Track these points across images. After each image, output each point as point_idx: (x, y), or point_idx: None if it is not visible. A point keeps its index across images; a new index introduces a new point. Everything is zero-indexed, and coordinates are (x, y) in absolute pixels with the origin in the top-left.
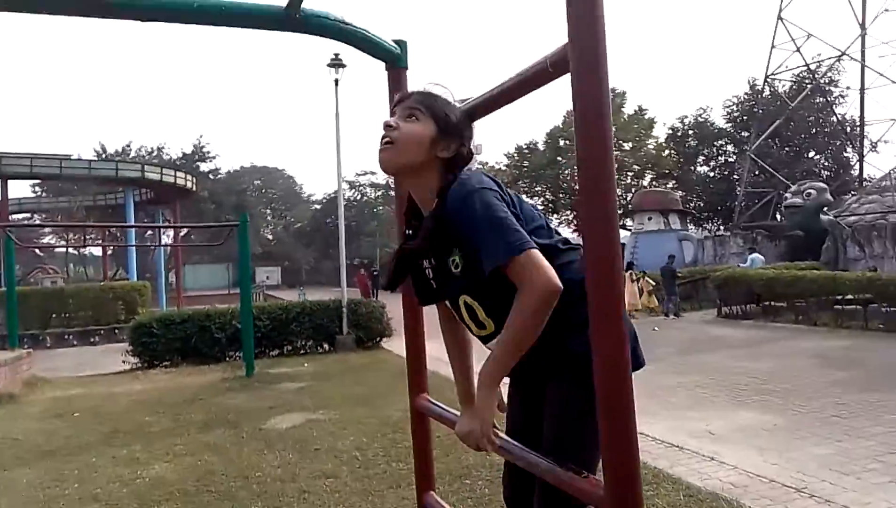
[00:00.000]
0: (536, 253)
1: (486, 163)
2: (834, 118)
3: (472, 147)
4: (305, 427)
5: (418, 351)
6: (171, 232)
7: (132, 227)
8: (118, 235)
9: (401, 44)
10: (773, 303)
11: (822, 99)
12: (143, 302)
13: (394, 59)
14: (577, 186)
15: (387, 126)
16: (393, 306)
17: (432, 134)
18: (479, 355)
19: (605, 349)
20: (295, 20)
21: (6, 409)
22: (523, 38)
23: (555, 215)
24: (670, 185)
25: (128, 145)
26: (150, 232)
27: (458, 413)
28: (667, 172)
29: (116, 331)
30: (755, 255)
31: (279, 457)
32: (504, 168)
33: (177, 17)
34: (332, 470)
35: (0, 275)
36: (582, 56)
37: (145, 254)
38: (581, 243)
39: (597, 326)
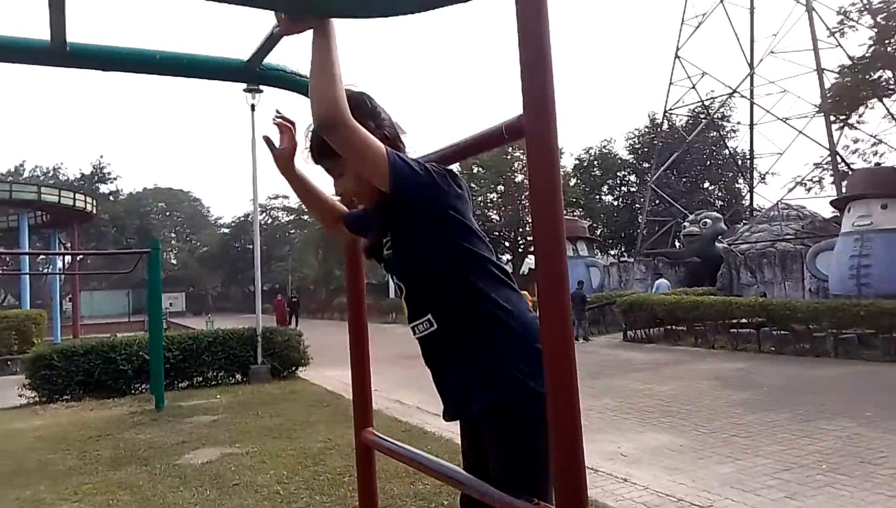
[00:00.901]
0: (386, 151)
1: None
2: (727, 151)
3: (388, 124)
4: (222, 462)
5: (364, 385)
6: (67, 257)
7: (27, 254)
8: (9, 260)
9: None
10: (674, 327)
11: (715, 133)
12: (39, 332)
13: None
14: (489, 213)
15: (340, 196)
16: (311, 333)
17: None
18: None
19: (557, 384)
20: (254, 72)
21: None
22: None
23: (532, 238)
24: (577, 213)
25: (21, 165)
26: (42, 257)
27: (405, 446)
28: (574, 200)
29: (9, 363)
30: (661, 280)
31: (196, 494)
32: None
33: (139, 68)
34: (253, 506)
35: None
36: (537, 125)
37: (37, 280)
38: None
39: (550, 363)
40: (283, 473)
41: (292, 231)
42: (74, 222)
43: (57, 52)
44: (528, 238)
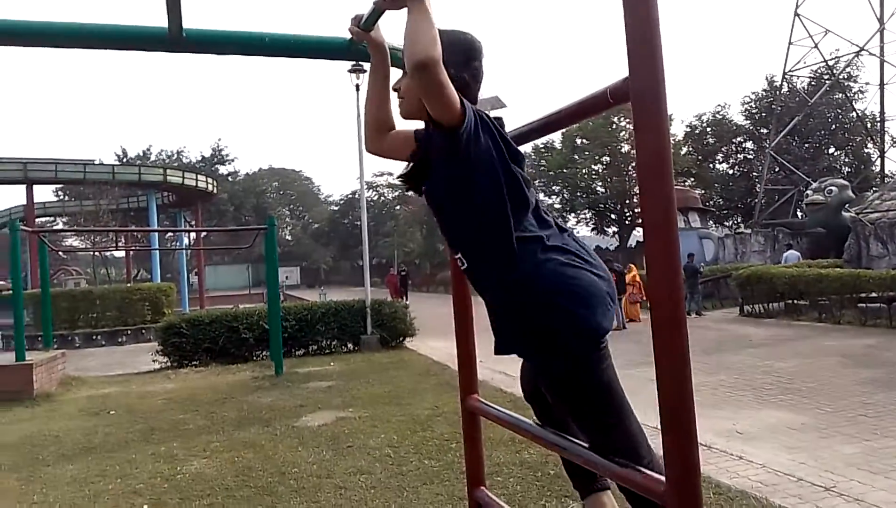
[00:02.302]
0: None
1: None
2: (854, 114)
3: (472, 69)
4: (337, 425)
5: (469, 353)
6: (192, 234)
7: (157, 231)
8: (140, 237)
9: None
10: (796, 301)
11: (841, 95)
12: (169, 303)
13: None
14: (593, 185)
15: (394, 89)
16: (417, 306)
17: None
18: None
19: (666, 349)
20: (359, 50)
21: (44, 408)
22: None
23: (572, 214)
24: (689, 183)
25: (148, 149)
26: (170, 234)
27: (510, 413)
28: (685, 169)
29: (143, 331)
30: (791, 252)
31: (313, 454)
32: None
33: (251, 50)
34: (366, 467)
35: (24, 276)
36: (642, 90)
37: (167, 255)
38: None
39: (658, 334)
40: (394, 437)
41: (397, 207)
42: (197, 202)
43: (175, 38)
44: (636, 210)
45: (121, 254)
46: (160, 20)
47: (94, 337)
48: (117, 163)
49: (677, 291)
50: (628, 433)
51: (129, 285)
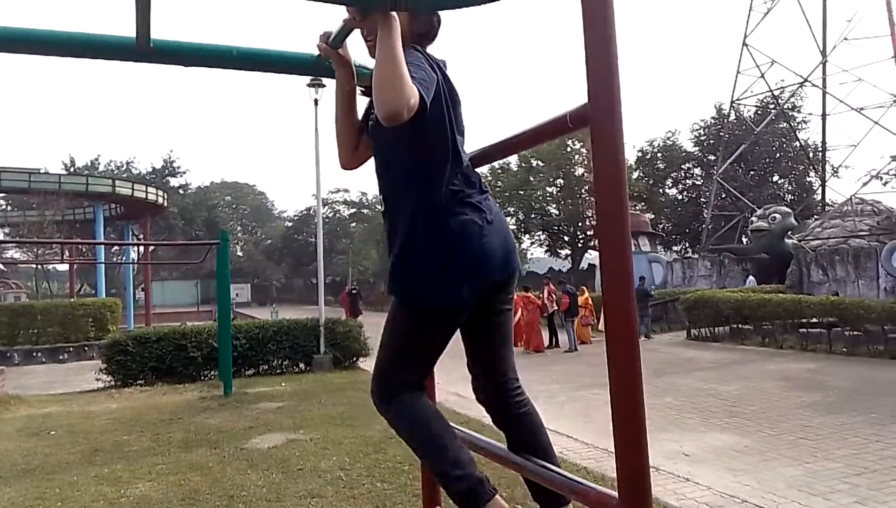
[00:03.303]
0: (418, 90)
1: None
2: (797, 143)
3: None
4: (287, 447)
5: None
6: (140, 248)
7: (104, 244)
8: (85, 250)
9: None
10: (740, 326)
11: (785, 124)
12: (114, 319)
13: None
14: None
15: (361, 33)
16: (371, 326)
17: None
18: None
19: (619, 365)
20: (325, 66)
21: None
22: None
23: (526, 235)
24: (640, 207)
25: (97, 159)
26: (115, 247)
27: (466, 431)
28: (636, 194)
29: (86, 348)
30: (751, 278)
31: (263, 477)
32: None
33: (218, 63)
34: (317, 490)
35: None
36: (602, 114)
37: (112, 269)
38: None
39: (612, 349)
40: (346, 459)
41: (353, 225)
42: (146, 215)
43: (143, 49)
44: (588, 233)
45: (64, 268)
46: (123, 30)
47: (35, 354)
48: (64, 172)
49: (631, 311)
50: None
51: (72, 299)
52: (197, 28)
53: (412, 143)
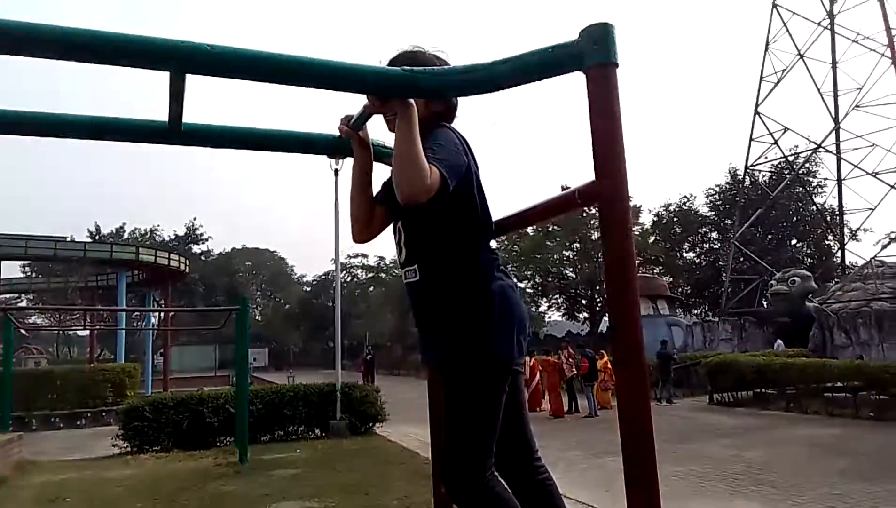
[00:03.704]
0: (440, 173)
1: None
2: (814, 207)
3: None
4: None
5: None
6: (160, 314)
7: (127, 310)
8: (107, 316)
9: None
10: (764, 390)
11: (801, 189)
12: (132, 384)
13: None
14: (564, 270)
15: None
16: (388, 390)
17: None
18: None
19: (636, 452)
20: (346, 146)
21: None
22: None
23: (544, 299)
24: (657, 271)
25: (122, 226)
26: (136, 313)
27: None
28: (653, 257)
29: (104, 413)
30: (779, 341)
31: None
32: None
33: (244, 144)
34: None
35: None
36: (609, 191)
37: (132, 335)
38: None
39: (627, 429)
40: None
41: (370, 289)
42: (168, 281)
43: (174, 131)
44: (605, 296)
45: (85, 333)
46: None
47: (53, 419)
48: (89, 240)
49: (642, 380)
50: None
51: (91, 365)
52: (224, 110)
53: (447, 215)
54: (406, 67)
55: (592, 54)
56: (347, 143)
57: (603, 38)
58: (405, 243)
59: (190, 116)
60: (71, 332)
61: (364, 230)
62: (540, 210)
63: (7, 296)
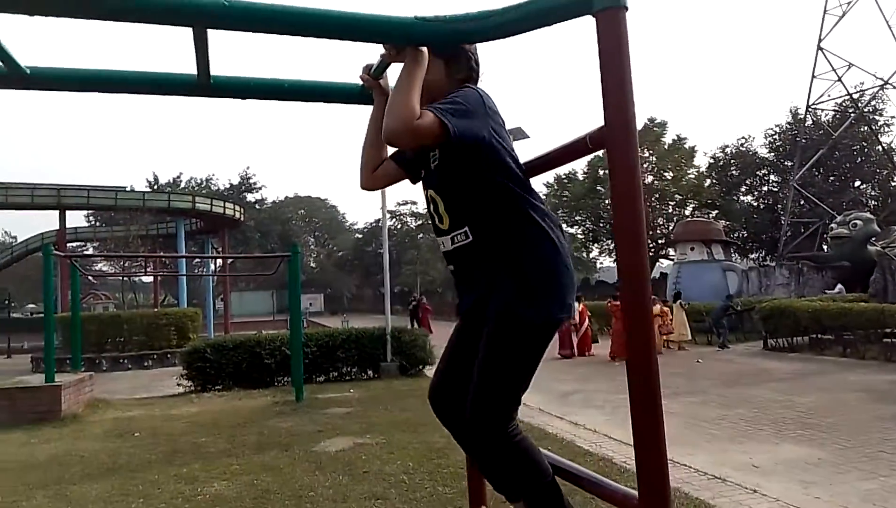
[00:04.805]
0: (441, 121)
1: None
2: (879, 147)
3: (472, 65)
4: (354, 451)
5: None
6: (219, 260)
7: (185, 257)
8: (168, 263)
9: None
10: (820, 336)
11: (866, 128)
12: (195, 328)
13: None
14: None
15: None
16: (437, 334)
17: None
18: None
19: (638, 371)
20: (369, 95)
21: (71, 428)
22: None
23: (595, 244)
24: (713, 215)
25: (178, 176)
26: (197, 260)
27: None
28: (709, 201)
29: (169, 355)
30: (840, 286)
31: (330, 479)
32: (543, 197)
33: (272, 95)
34: (381, 492)
35: (56, 299)
36: (617, 137)
37: (194, 281)
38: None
39: (632, 356)
40: (410, 464)
41: (420, 236)
42: (224, 229)
43: (203, 84)
44: (659, 241)
45: (148, 279)
46: (186, 67)
47: (121, 360)
48: (148, 190)
49: (648, 325)
50: (507, 409)
51: (155, 309)
52: (252, 63)
53: (485, 173)
54: (418, 15)
55: None
56: (370, 92)
57: None
58: (447, 208)
59: (220, 69)
60: (136, 279)
61: (369, 178)
62: (553, 157)
63: (73, 245)
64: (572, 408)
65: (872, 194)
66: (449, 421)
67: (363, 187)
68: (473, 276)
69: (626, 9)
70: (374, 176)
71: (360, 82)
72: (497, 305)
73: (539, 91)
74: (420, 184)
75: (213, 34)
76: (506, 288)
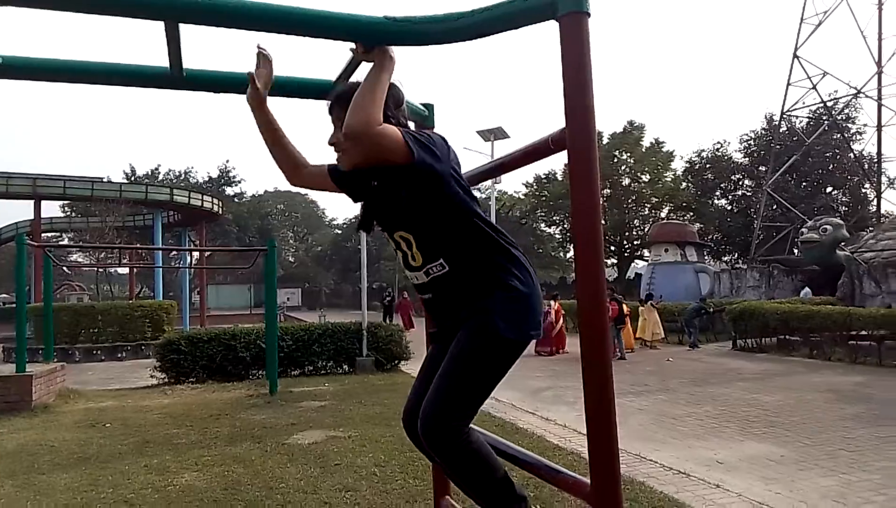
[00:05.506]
0: (406, 141)
1: (505, 192)
2: (851, 155)
3: (401, 112)
4: (326, 444)
5: None
6: (195, 253)
7: (161, 249)
8: (144, 255)
9: (428, 106)
10: (788, 337)
11: (839, 135)
12: (170, 320)
13: (423, 119)
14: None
15: (331, 144)
16: (413, 330)
17: None
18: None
19: (592, 364)
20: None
21: (42, 418)
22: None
23: (572, 245)
24: (688, 217)
25: (157, 168)
26: (174, 253)
27: (495, 437)
28: (684, 204)
29: (143, 347)
30: (807, 289)
31: (301, 471)
32: (522, 197)
33: (244, 90)
34: (352, 484)
35: (28, 290)
36: (576, 140)
37: (170, 273)
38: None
39: (585, 352)
40: (381, 457)
41: None
42: (202, 222)
43: (175, 77)
44: (634, 242)
45: (124, 271)
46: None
47: (95, 352)
48: (125, 181)
49: (602, 321)
50: (462, 416)
51: (130, 301)
52: (228, 58)
53: (452, 207)
54: (389, 16)
55: (565, 4)
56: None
57: None
58: (419, 246)
59: (199, 63)
60: (112, 271)
61: (293, 174)
62: (519, 156)
63: (48, 235)
64: (544, 404)
65: (843, 200)
66: (422, 444)
67: (291, 183)
68: (451, 303)
69: (589, 15)
70: (301, 176)
71: (333, 79)
72: (476, 321)
73: (521, 91)
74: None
75: (188, 29)
76: (486, 309)
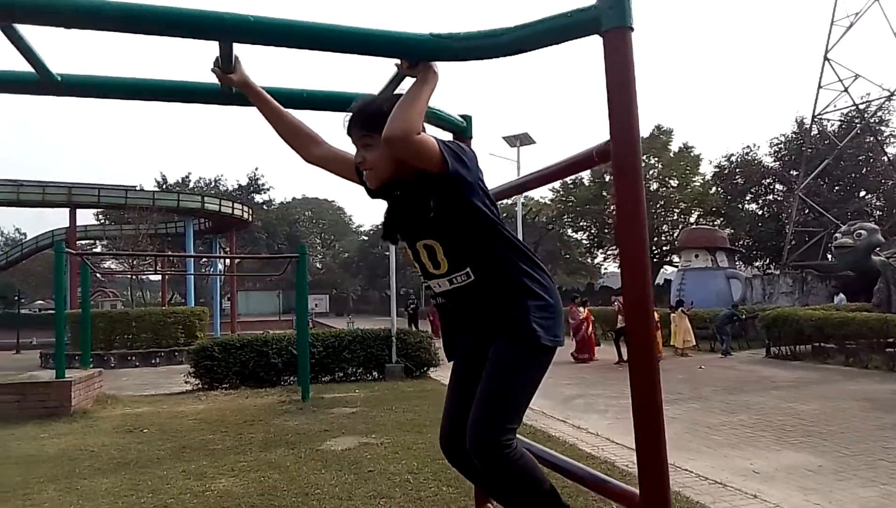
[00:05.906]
0: (441, 150)
1: (532, 198)
2: (885, 158)
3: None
4: (359, 450)
5: None
6: (226, 260)
7: (193, 257)
8: (176, 262)
9: (466, 118)
10: (823, 344)
11: (872, 138)
12: (202, 327)
13: (461, 130)
14: None
15: (358, 165)
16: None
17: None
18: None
19: (640, 373)
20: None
21: (81, 423)
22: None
23: (600, 250)
24: (718, 222)
25: (187, 176)
26: (204, 260)
27: (530, 442)
28: (714, 209)
29: (176, 353)
30: (841, 295)
31: (336, 477)
32: (549, 202)
33: (290, 105)
34: (386, 491)
35: (64, 297)
36: (621, 152)
37: (201, 280)
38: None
39: (634, 363)
40: (414, 464)
41: None
42: (232, 229)
43: (226, 93)
44: (664, 248)
45: (157, 278)
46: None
47: (129, 358)
48: (157, 189)
49: (649, 328)
50: (511, 428)
51: (164, 308)
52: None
53: (478, 216)
54: (434, 33)
55: (609, 19)
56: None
57: (618, 4)
58: (446, 253)
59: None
60: (144, 278)
61: (303, 149)
62: (559, 169)
63: (83, 242)
64: (575, 412)
65: (877, 204)
66: (466, 466)
67: (306, 161)
68: (475, 314)
69: (633, 29)
70: (312, 151)
71: (375, 92)
72: (513, 331)
73: (546, 98)
74: (394, 221)
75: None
76: (520, 318)
